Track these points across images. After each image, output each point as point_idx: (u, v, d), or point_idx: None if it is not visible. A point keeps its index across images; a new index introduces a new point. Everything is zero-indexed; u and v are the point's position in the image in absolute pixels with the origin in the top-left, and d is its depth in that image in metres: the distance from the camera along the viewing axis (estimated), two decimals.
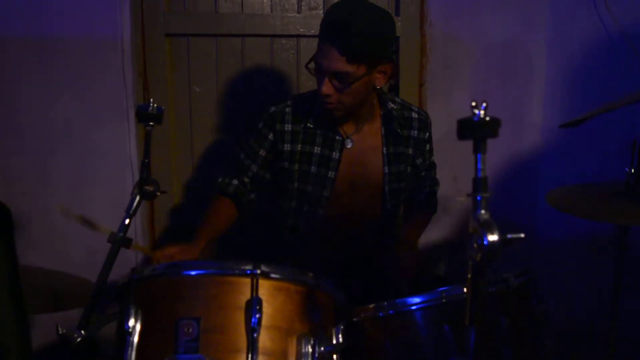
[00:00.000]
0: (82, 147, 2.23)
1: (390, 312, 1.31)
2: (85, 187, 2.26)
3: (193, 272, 1.18)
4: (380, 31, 1.63)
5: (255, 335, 1.11)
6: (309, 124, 1.80)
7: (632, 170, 1.70)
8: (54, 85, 2.19)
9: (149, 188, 1.41)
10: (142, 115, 1.38)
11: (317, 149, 1.80)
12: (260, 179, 1.85)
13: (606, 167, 2.18)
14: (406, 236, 1.98)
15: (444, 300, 1.28)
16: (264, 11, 2.34)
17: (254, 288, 1.15)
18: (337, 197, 1.83)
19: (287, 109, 1.81)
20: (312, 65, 1.67)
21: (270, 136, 1.81)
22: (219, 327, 1.13)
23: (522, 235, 0.86)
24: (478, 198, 0.88)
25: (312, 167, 1.80)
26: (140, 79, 2.27)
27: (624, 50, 2.17)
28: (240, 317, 1.13)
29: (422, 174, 1.96)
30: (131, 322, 1.14)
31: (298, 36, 2.35)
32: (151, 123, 1.38)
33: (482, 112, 0.86)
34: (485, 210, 0.87)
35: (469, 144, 0.87)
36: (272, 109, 1.82)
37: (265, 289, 1.16)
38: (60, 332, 1.27)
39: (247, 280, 1.16)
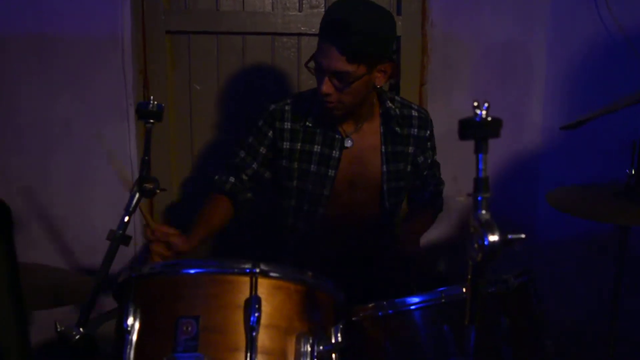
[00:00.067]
0: (82, 145, 2.23)
1: (390, 311, 1.30)
2: (85, 185, 2.26)
3: (192, 271, 1.17)
4: (381, 31, 1.63)
5: (254, 334, 1.11)
6: (308, 123, 1.80)
7: (633, 171, 1.70)
8: (54, 84, 2.19)
9: (149, 186, 1.41)
10: (142, 113, 1.38)
11: (316, 148, 1.80)
12: (260, 177, 1.85)
13: (606, 167, 2.18)
14: (408, 228, 1.95)
15: (443, 300, 1.28)
16: (265, 9, 2.34)
17: (253, 287, 1.14)
18: (337, 196, 1.82)
19: (287, 107, 1.81)
20: (312, 64, 1.67)
21: (270, 134, 1.81)
22: (218, 325, 1.13)
23: (523, 235, 0.86)
24: (479, 198, 0.87)
25: (312, 166, 1.80)
26: (140, 77, 2.27)
27: (625, 50, 2.17)
28: (240, 315, 1.12)
29: (425, 172, 1.95)
30: (130, 321, 1.13)
31: (299, 34, 2.35)
32: (151, 120, 1.38)
33: (484, 112, 0.86)
34: (486, 210, 0.87)
35: (468, 144, 0.87)
36: (272, 106, 1.82)
37: (264, 287, 1.16)
38: (59, 330, 1.27)
39: (246, 279, 1.15)
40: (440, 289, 1.29)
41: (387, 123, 1.83)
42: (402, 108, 1.86)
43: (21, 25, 2.14)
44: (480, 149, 0.87)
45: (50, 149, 2.23)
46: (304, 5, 2.35)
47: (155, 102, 1.37)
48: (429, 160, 1.95)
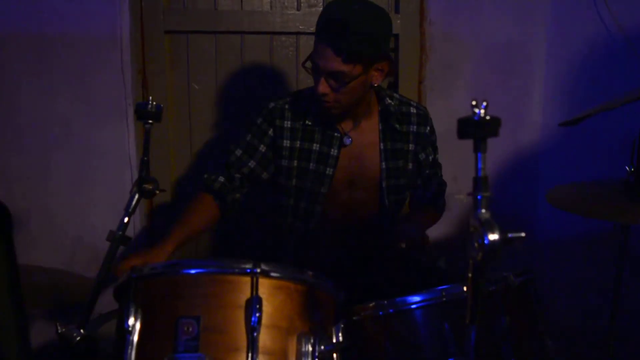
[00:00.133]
0: (82, 145, 2.23)
1: (390, 310, 1.30)
2: (85, 185, 2.26)
3: (193, 271, 1.17)
4: (376, 30, 1.63)
5: (255, 334, 1.11)
6: (307, 121, 1.80)
7: (632, 169, 1.70)
8: (54, 83, 2.19)
9: (148, 186, 1.41)
10: (141, 113, 1.38)
11: (315, 146, 1.80)
12: (257, 176, 1.82)
13: (606, 165, 2.18)
14: (408, 217, 1.92)
15: (444, 299, 1.28)
16: (264, 8, 2.33)
17: (254, 287, 1.14)
18: (336, 194, 1.82)
19: (286, 106, 1.81)
20: (308, 64, 1.67)
21: (270, 132, 1.81)
22: (219, 326, 1.13)
23: (523, 234, 0.86)
24: (479, 197, 0.87)
25: (311, 164, 1.80)
26: (139, 77, 2.27)
27: (624, 49, 2.17)
28: (240, 316, 1.12)
29: (427, 171, 1.93)
30: (131, 321, 1.13)
31: (297, 33, 2.35)
32: (150, 121, 1.38)
33: (482, 111, 0.86)
34: (486, 209, 0.87)
35: (468, 143, 0.87)
36: (271, 104, 1.82)
37: (265, 287, 1.16)
38: (59, 331, 1.27)
39: (247, 279, 1.15)
40: (441, 287, 1.29)
41: (386, 120, 1.83)
42: (400, 105, 1.86)
43: (21, 25, 2.14)
44: (479, 148, 0.87)
45: (50, 149, 2.22)
46: (302, 4, 2.35)
47: (154, 103, 1.37)
48: (430, 158, 1.93)
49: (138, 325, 1.14)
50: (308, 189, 1.80)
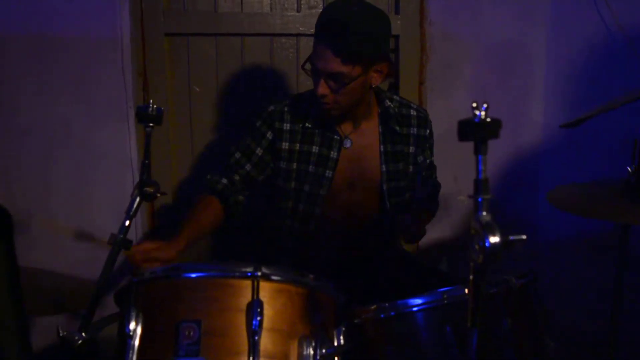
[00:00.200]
0: (82, 147, 2.23)
1: (392, 313, 1.30)
2: (86, 188, 2.26)
3: (193, 275, 1.17)
4: (375, 31, 1.63)
5: (256, 337, 1.11)
6: (307, 124, 1.80)
7: (633, 169, 1.70)
8: (54, 85, 2.19)
9: (149, 189, 1.40)
10: (142, 116, 1.37)
11: (315, 149, 1.80)
12: (252, 179, 1.82)
13: (607, 165, 2.18)
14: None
15: (445, 302, 1.28)
16: (264, 10, 2.33)
17: (255, 290, 1.14)
18: (336, 197, 1.82)
19: (286, 108, 1.81)
20: (308, 66, 1.67)
21: (269, 134, 1.81)
22: (220, 329, 1.12)
23: (524, 237, 0.86)
24: (479, 200, 0.87)
25: (310, 167, 1.79)
26: (139, 79, 2.27)
27: (625, 49, 2.17)
28: (242, 319, 1.12)
29: (423, 174, 1.94)
30: (132, 325, 1.13)
31: (298, 35, 2.35)
32: (151, 124, 1.38)
33: (482, 113, 0.85)
34: (487, 211, 0.87)
35: (469, 143, 0.87)
36: (271, 107, 1.82)
37: (266, 291, 1.15)
38: (61, 334, 1.27)
39: (248, 283, 1.15)
40: (442, 289, 1.29)
41: (385, 122, 1.83)
42: (400, 107, 1.86)
43: (21, 25, 2.14)
44: (480, 150, 0.87)
45: (50, 149, 2.22)
46: (302, 6, 2.35)
47: (155, 106, 1.37)
48: (427, 161, 1.94)
49: (139, 330, 1.14)
50: (307, 191, 1.80)
